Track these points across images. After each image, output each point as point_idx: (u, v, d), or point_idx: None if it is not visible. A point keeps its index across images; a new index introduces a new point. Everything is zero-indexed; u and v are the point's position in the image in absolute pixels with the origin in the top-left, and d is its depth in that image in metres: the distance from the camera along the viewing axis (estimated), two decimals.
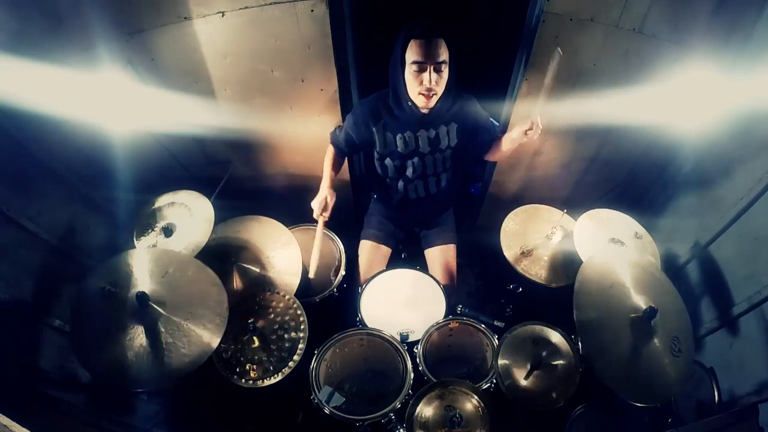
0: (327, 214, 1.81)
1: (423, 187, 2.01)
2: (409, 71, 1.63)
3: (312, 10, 1.72)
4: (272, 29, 1.78)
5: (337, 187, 2.47)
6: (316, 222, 1.82)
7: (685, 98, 1.83)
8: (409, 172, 1.95)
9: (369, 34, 2.17)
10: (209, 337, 1.53)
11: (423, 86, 1.63)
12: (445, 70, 1.63)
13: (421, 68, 1.60)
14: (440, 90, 1.67)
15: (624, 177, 2.40)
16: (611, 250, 1.85)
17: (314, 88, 2.00)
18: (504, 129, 2.16)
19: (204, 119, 2.07)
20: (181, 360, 1.48)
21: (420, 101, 1.69)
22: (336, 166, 1.96)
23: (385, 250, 2.17)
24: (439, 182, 2.01)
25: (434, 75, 1.61)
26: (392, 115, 1.80)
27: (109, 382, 1.56)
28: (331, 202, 1.81)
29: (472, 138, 1.91)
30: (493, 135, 1.98)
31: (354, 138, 1.89)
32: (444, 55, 1.60)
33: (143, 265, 1.65)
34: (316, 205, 1.79)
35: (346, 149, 1.97)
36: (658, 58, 1.81)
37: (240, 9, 1.72)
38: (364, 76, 2.23)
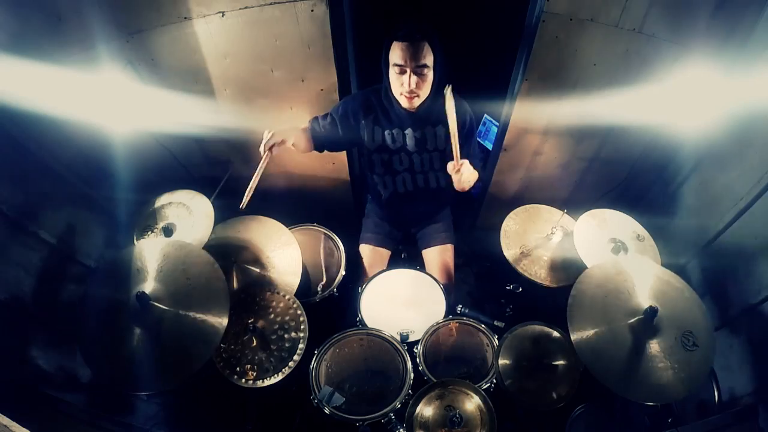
0: (275, 149, 1.64)
1: (411, 180, 2.00)
2: (392, 72, 1.63)
3: (312, 10, 1.72)
4: (272, 29, 1.78)
5: (337, 186, 2.50)
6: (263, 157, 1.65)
7: (685, 98, 1.83)
8: (396, 165, 1.94)
9: (369, 34, 2.17)
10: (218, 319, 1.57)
11: (404, 87, 1.63)
12: (428, 74, 1.62)
13: (402, 70, 1.60)
14: (423, 92, 1.67)
15: (624, 177, 2.40)
16: (603, 258, 1.82)
17: (314, 88, 2.00)
18: (504, 129, 2.16)
19: (204, 119, 2.07)
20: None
21: (402, 101, 1.69)
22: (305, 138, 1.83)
23: (384, 252, 2.17)
24: (427, 180, 2.00)
25: (414, 78, 1.59)
26: (383, 110, 1.81)
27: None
28: (288, 144, 1.68)
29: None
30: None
31: (338, 127, 1.84)
32: (426, 59, 1.57)
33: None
34: (270, 133, 1.63)
35: (323, 137, 1.86)
36: (658, 58, 1.81)
37: (240, 9, 1.72)
38: (364, 76, 2.23)
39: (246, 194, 1.63)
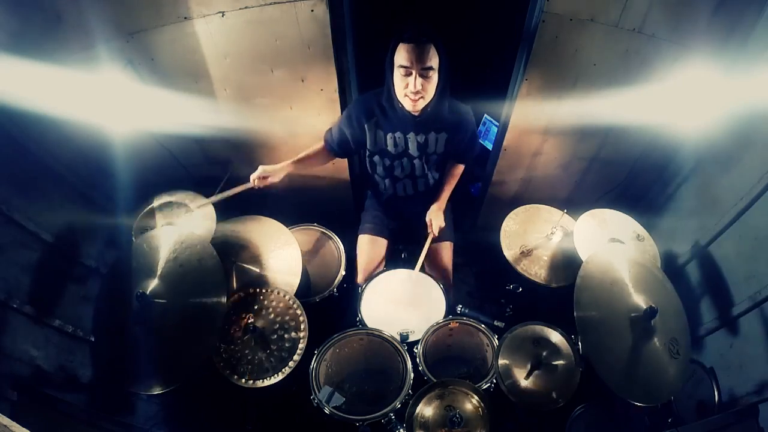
0: (258, 184, 1.85)
1: (411, 185, 2.02)
2: (397, 74, 1.62)
3: (312, 10, 1.72)
4: (272, 29, 1.78)
5: (337, 186, 2.50)
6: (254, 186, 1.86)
7: (685, 98, 1.83)
8: (398, 171, 1.95)
9: (369, 34, 2.17)
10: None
11: (408, 89, 1.62)
12: (433, 76, 1.61)
13: (407, 72, 1.59)
14: (428, 94, 1.66)
15: (624, 177, 2.40)
16: (613, 247, 1.85)
17: (314, 88, 2.00)
18: (504, 129, 2.16)
19: (204, 119, 2.07)
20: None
21: (407, 103, 1.69)
22: (312, 159, 1.95)
23: (382, 242, 2.16)
24: (427, 183, 2.02)
25: (420, 80, 1.59)
26: (385, 113, 1.80)
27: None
28: (271, 180, 1.86)
29: (455, 150, 1.92)
30: (461, 160, 2.02)
31: (347, 135, 1.88)
32: (431, 61, 1.57)
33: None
34: (258, 171, 1.84)
35: (337, 148, 1.94)
36: (658, 58, 1.81)
37: (240, 9, 1.72)
38: (363, 76, 2.23)
39: (215, 197, 1.94)
